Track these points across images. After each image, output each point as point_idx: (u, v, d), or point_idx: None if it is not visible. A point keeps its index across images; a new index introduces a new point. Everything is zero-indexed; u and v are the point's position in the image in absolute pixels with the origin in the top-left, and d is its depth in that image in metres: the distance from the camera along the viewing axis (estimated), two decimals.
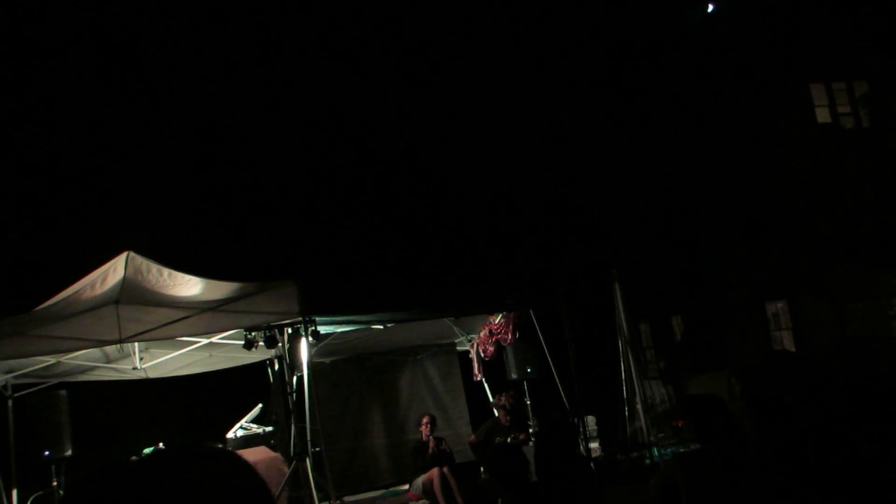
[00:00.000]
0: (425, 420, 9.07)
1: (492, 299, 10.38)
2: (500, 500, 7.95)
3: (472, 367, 11.03)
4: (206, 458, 1.17)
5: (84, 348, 7.63)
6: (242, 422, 9.85)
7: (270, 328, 7.58)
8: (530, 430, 9.92)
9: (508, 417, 9.42)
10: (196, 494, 1.10)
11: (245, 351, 7.97)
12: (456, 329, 11.08)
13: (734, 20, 13.90)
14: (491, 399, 10.70)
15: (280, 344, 7.78)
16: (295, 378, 8.70)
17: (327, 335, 9.34)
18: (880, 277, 13.04)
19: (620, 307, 10.66)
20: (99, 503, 1.08)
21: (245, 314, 7.31)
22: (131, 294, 7.26)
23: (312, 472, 7.71)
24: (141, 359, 8.94)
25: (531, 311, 9.80)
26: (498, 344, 10.49)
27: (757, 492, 3.40)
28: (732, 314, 14.18)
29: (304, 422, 8.03)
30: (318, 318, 7.70)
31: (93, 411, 10.11)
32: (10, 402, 8.19)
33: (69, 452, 8.00)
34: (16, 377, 8.25)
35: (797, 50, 13.52)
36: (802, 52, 13.54)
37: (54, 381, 8.72)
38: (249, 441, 9.36)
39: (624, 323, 10.66)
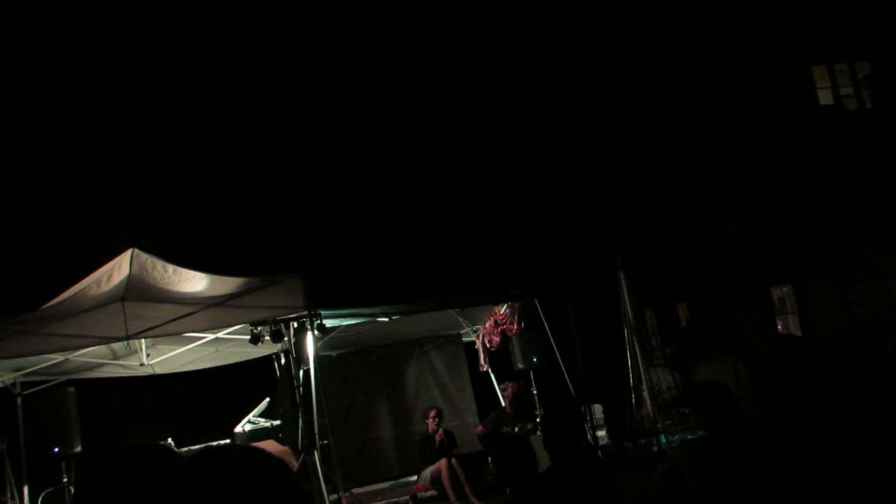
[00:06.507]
0: (432, 414, 9.07)
1: (497, 289, 10.34)
2: (508, 490, 8.00)
3: (478, 358, 11.03)
4: (245, 457, 1.19)
5: (91, 345, 7.68)
6: (250, 416, 9.89)
7: (276, 322, 7.59)
8: (537, 420, 9.93)
9: (514, 406, 9.44)
10: (236, 490, 1.12)
11: (251, 345, 8.00)
12: (461, 320, 11.07)
13: (735, 2, 13.81)
14: (497, 389, 10.72)
15: (286, 338, 7.79)
16: (301, 372, 8.72)
17: (333, 328, 9.35)
18: (885, 259, 13.00)
19: (625, 295, 10.67)
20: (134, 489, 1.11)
21: (251, 309, 7.34)
22: (137, 291, 7.29)
23: (321, 464, 7.74)
24: (148, 355, 8.97)
25: (536, 300, 9.79)
26: (504, 334, 10.49)
27: (763, 478, 3.40)
28: (738, 299, 14.16)
29: (312, 415, 8.06)
30: (323, 312, 7.71)
31: (101, 408, 10.16)
32: (19, 400, 8.27)
33: (79, 449, 8.05)
34: (24, 375, 8.32)
35: (799, 31, 13.44)
36: (804, 34, 13.47)
37: (62, 378, 8.78)
38: (257, 435, 9.39)
39: (629, 310, 10.67)
